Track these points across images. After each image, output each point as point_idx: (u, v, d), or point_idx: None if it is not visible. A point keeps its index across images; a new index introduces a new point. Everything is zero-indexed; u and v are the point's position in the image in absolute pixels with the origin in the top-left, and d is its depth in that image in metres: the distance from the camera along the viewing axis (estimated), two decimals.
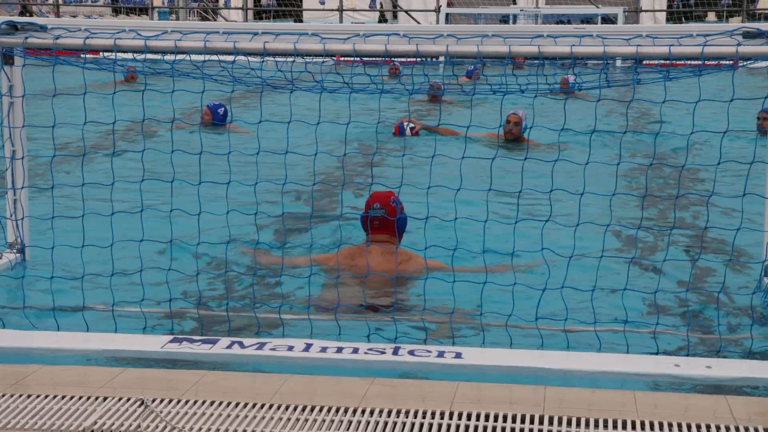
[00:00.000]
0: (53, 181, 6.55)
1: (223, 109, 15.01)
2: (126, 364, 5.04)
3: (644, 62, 5.79)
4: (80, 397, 4.46)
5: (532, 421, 4.23)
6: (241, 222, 6.71)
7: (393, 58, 11.89)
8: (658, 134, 7.71)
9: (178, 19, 35.11)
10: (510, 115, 13.37)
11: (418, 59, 5.66)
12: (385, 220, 6.88)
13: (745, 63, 5.48)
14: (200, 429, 4.16)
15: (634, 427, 4.19)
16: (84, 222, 6.08)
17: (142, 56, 5.85)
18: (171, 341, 5.21)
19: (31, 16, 34.68)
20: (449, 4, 33.82)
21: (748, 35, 5.48)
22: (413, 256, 6.89)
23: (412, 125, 14.25)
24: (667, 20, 34.84)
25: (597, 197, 6.10)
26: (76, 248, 6.04)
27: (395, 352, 5.05)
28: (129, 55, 5.98)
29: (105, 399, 4.44)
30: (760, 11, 35.88)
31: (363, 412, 4.32)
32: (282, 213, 6.80)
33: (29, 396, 4.47)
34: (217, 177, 6.23)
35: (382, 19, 36.00)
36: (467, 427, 4.19)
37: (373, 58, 6.25)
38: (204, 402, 4.41)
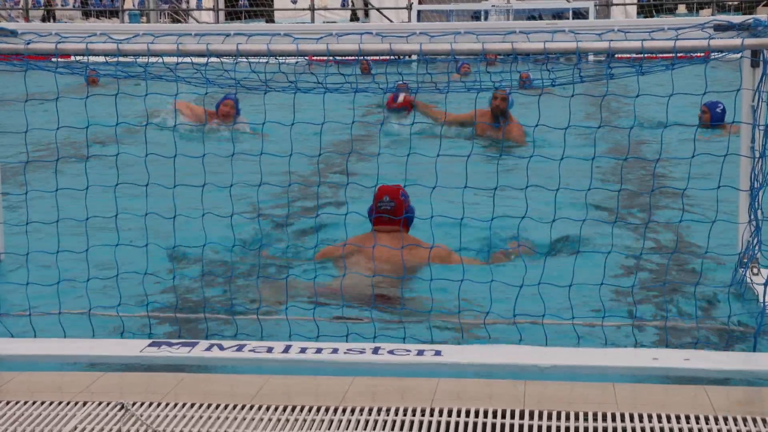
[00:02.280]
0: (27, 186, 6.51)
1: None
2: (104, 368, 5.01)
3: (616, 56, 5.81)
4: (59, 402, 4.43)
5: (512, 416, 4.24)
6: (218, 224, 6.69)
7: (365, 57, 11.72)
8: (632, 127, 7.73)
9: (149, 21, 34.94)
10: (496, 92, 13.30)
11: (391, 57, 5.67)
12: (394, 212, 6.99)
13: (716, 56, 5.51)
14: (181, 431, 4.16)
15: (614, 419, 4.21)
16: (59, 227, 6.04)
17: (112, 59, 5.83)
18: (150, 345, 5.19)
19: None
20: (420, 1, 33.81)
21: (719, 28, 5.51)
22: (421, 243, 6.94)
23: (404, 93, 13.94)
24: (638, 13, 34.95)
25: (573, 191, 6.12)
26: (51, 253, 6.00)
27: (375, 351, 5.06)
28: (100, 59, 5.95)
29: (84, 404, 4.42)
30: (729, 2, 36.04)
31: (343, 411, 4.32)
32: (258, 214, 6.79)
33: (8, 402, 4.45)
34: (194, 179, 6.21)
35: (354, 18, 35.96)
36: (448, 423, 4.19)
37: (347, 58, 6.25)
38: (184, 404, 4.40)
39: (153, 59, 5.77)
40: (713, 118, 13.08)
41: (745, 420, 4.18)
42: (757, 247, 6.02)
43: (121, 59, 5.85)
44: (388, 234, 6.95)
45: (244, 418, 4.27)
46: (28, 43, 5.76)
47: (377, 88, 6.61)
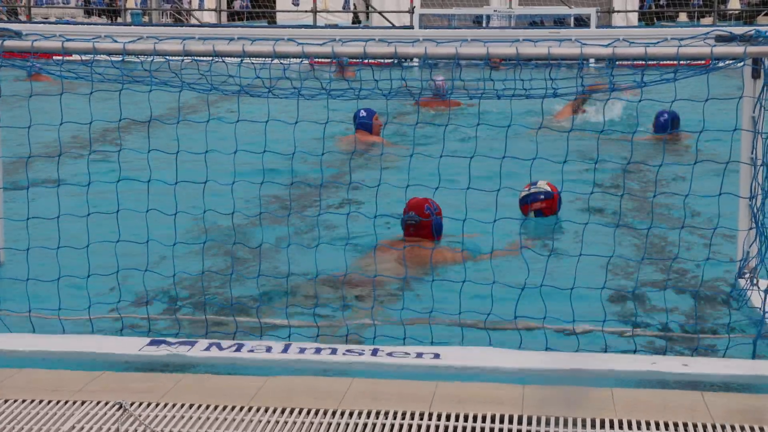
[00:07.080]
0: (28, 181, 6.52)
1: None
2: (104, 367, 5.01)
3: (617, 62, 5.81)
4: (57, 401, 4.44)
5: (511, 421, 4.25)
6: (219, 220, 6.69)
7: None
8: (635, 132, 7.71)
9: (151, 20, 34.92)
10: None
11: (395, 61, 5.67)
12: (418, 227, 7.39)
13: (720, 65, 5.52)
14: None
15: (612, 425, 4.22)
16: (60, 223, 6.03)
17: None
18: (149, 344, 5.19)
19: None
20: (422, 5, 33.77)
21: (721, 39, 5.51)
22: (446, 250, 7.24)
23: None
24: (639, 20, 34.97)
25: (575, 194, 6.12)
26: (51, 249, 5.99)
27: (374, 353, 5.06)
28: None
29: (83, 403, 4.42)
30: (730, 11, 36.09)
31: (342, 413, 4.33)
32: (260, 212, 6.78)
33: (6, 401, 4.45)
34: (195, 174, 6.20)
35: (356, 20, 35.94)
36: (446, 427, 4.20)
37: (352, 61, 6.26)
38: (183, 405, 4.40)
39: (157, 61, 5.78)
40: (657, 126, 12.73)
41: (743, 428, 4.19)
42: (757, 256, 6.01)
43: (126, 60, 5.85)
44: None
45: (243, 420, 4.27)
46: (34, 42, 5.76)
47: (380, 94, 6.60)
